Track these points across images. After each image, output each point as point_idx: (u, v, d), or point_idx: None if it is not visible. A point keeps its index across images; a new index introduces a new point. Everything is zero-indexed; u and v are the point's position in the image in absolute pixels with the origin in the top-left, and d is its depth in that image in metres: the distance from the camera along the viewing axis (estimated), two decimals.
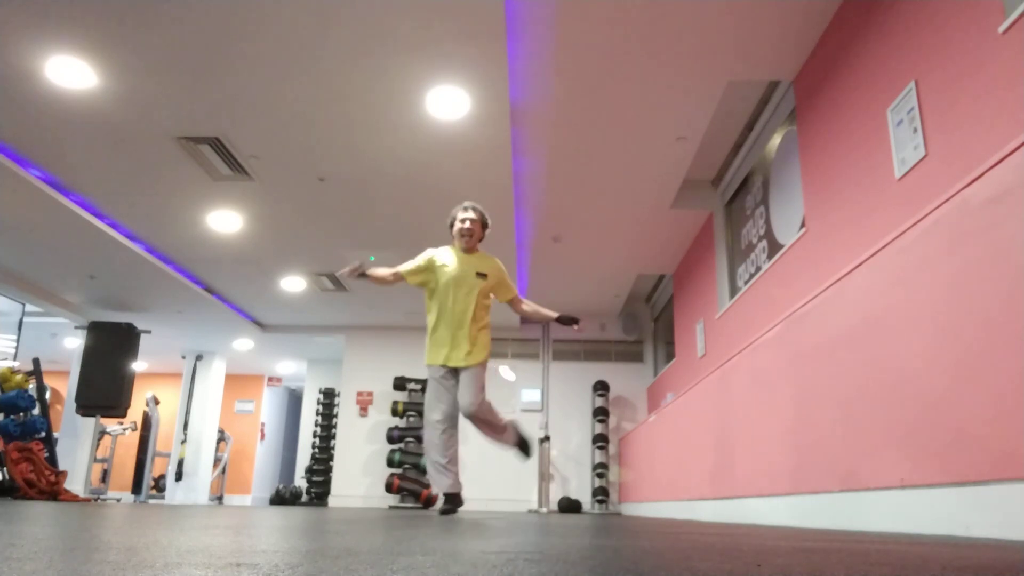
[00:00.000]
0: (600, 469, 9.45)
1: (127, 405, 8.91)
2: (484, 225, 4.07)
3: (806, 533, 2.32)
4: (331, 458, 11.27)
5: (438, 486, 3.95)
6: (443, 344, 3.93)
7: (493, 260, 4.11)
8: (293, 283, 8.64)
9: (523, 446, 4.18)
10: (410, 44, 4.24)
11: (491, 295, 4.10)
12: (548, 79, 4.72)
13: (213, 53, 4.33)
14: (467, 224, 3.97)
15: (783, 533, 2.29)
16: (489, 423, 3.99)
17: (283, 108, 4.93)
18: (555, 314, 4.19)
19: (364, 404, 10.26)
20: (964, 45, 2.88)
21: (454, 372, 3.96)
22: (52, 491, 6.94)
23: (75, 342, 10.13)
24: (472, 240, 4.00)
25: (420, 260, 4.02)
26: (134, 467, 12.37)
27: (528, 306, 4.19)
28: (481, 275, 3.97)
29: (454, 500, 3.93)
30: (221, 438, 12.48)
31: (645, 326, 10.10)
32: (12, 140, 5.37)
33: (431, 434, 3.93)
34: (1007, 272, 1.85)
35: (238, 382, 13.81)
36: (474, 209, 4.03)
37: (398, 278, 3.99)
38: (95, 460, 9.87)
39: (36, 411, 7.48)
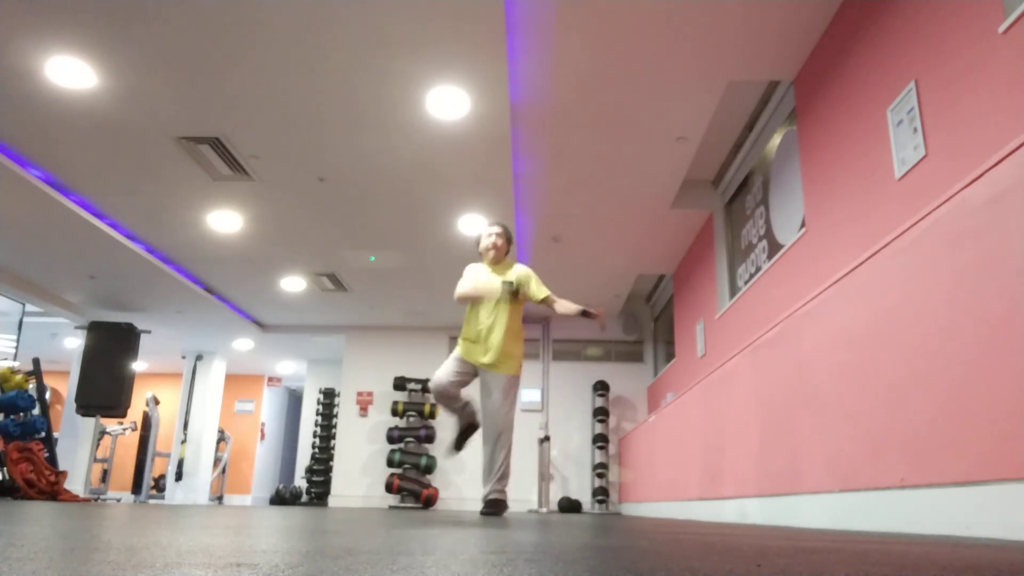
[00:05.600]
0: (600, 469, 9.45)
1: (127, 405, 8.91)
2: (509, 239, 4.26)
3: (806, 533, 2.32)
4: (331, 458, 11.27)
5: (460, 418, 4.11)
6: (472, 349, 4.06)
7: (519, 266, 4.23)
8: (293, 283, 8.64)
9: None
10: (410, 44, 4.24)
11: (523, 302, 4.17)
12: (548, 79, 4.72)
13: (213, 53, 4.33)
14: (492, 239, 4.19)
15: (783, 533, 2.29)
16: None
17: (283, 108, 4.93)
18: (579, 308, 4.10)
19: (364, 404, 10.26)
20: (964, 45, 2.88)
21: (476, 368, 4.06)
22: (52, 491, 6.94)
23: (75, 342, 10.13)
24: (498, 253, 4.19)
25: (464, 276, 4.17)
26: (134, 467, 12.38)
27: (560, 305, 4.10)
28: (507, 283, 4.10)
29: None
30: (221, 438, 12.48)
31: (645, 326, 10.10)
32: (12, 140, 5.37)
33: (435, 383, 4.02)
34: (1007, 272, 1.85)
35: (238, 382, 13.81)
36: (499, 225, 4.26)
37: (463, 300, 4.13)
38: (95, 460, 9.86)
39: (36, 411, 7.48)
